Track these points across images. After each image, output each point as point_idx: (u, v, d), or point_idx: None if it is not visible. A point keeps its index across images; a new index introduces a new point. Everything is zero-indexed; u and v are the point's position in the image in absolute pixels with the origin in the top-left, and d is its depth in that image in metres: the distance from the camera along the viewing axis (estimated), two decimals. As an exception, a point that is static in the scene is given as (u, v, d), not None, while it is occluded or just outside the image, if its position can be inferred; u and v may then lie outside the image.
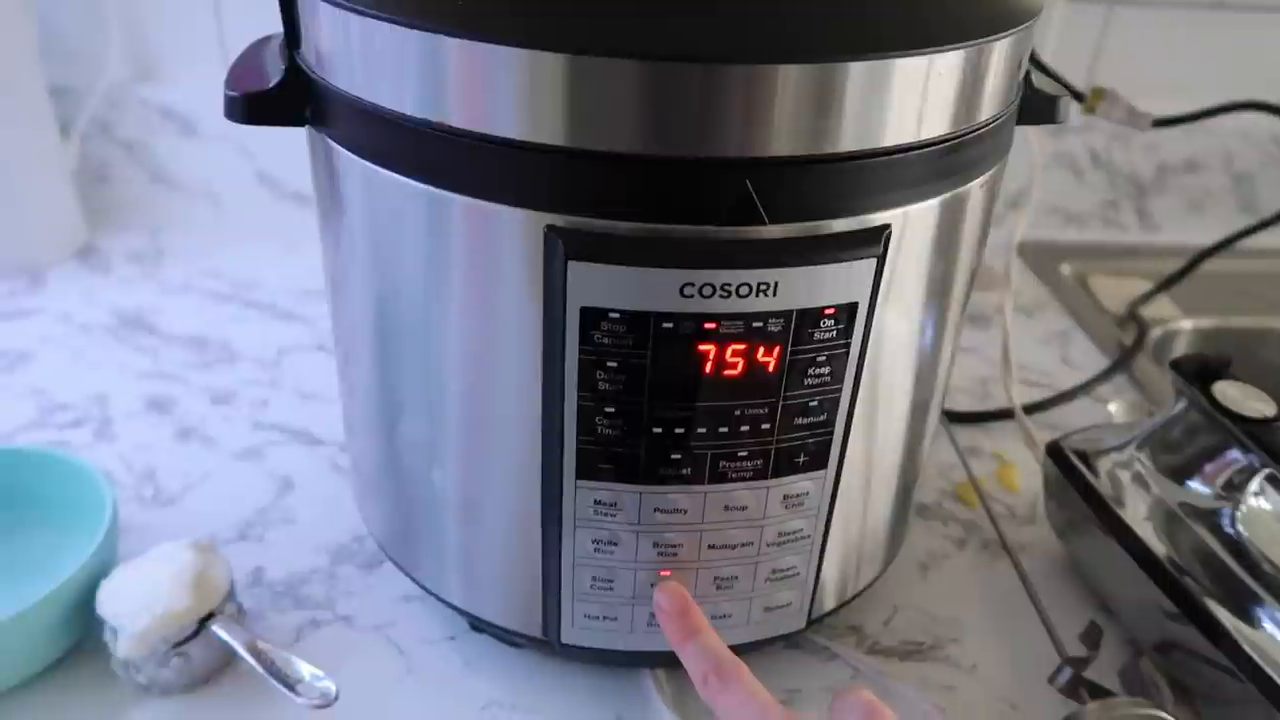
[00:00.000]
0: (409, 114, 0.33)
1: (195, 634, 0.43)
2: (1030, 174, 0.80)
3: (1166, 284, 0.81)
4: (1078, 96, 0.76)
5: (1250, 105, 0.75)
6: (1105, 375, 0.70)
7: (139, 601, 0.42)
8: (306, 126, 0.39)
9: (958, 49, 0.33)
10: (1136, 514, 0.48)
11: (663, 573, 0.39)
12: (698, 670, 0.36)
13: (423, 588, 0.46)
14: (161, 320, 0.72)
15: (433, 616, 0.49)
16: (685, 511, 0.38)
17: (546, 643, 0.43)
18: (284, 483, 0.57)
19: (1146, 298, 0.81)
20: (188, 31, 0.81)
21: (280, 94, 0.37)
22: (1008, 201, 0.89)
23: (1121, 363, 0.72)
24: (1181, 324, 0.81)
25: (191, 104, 0.82)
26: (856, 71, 0.32)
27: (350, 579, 0.51)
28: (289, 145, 0.46)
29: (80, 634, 0.45)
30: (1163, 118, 0.75)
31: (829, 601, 0.45)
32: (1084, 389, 0.69)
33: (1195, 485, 0.48)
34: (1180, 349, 0.81)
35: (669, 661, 0.45)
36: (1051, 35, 0.84)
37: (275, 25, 0.39)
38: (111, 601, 0.43)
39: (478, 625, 0.47)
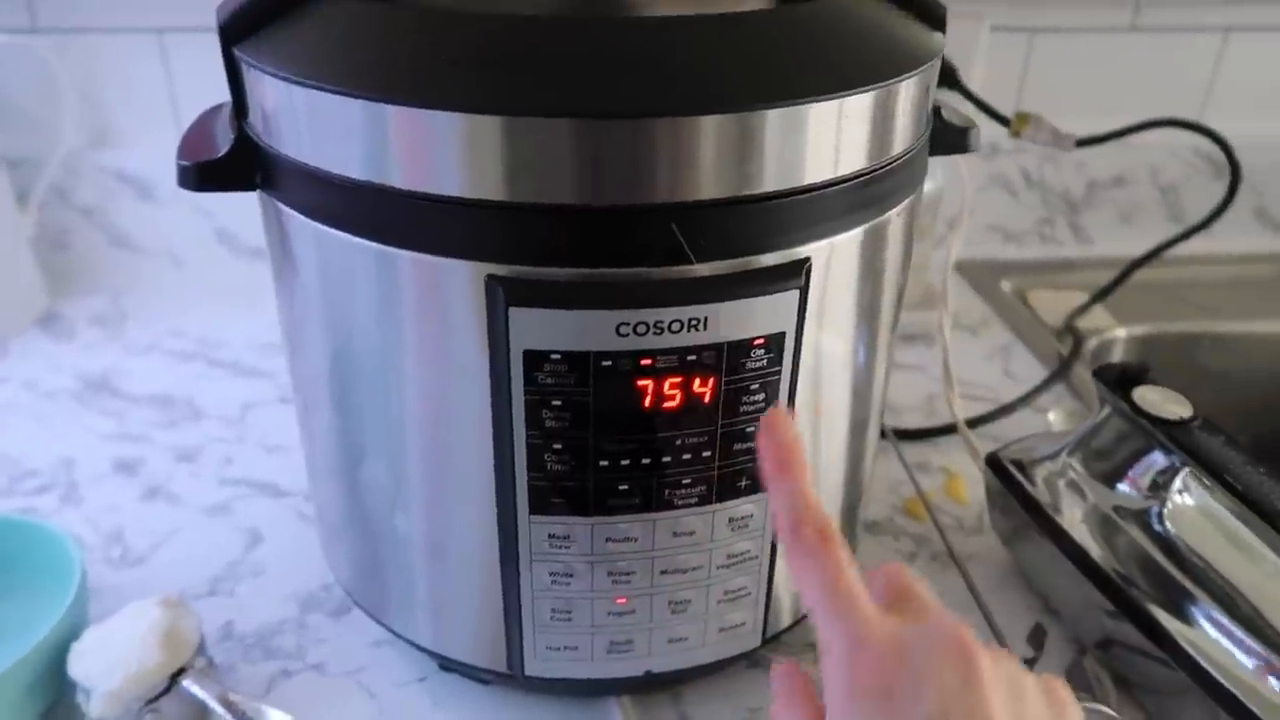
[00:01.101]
0: (355, 177, 0.35)
1: (167, 690, 0.44)
2: (964, 198, 0.83)
3: (1101, 295, 0.85)
4: (1004, 122, 0.80)
5: (1168, 122, 0.79)
6: (1044, 386, 0.73)
7: (110, 661, 0.43)
8: (258, 191, 0.41)
9: (866, 91, 0.36)
10: (1073, 519, 0.51)
11: (619, 600, 0.41)
12: (786, 516, 0.31)
13: (391, 631, 0.47)
14: (126, 382, 0.73)
15: (402, 659, 0.50)
16: (636, 539, 0.39)
17: (512, 676, 0.44)
18: (252, 535, 0.58)
19: (1082, 309, 0.84)
20: (141, 98, 0.82)
21: (230, 162, 0.39)
22: (947, 222, 0.92)
23: (1059, 373, 0.75)
24: (1117, 333, 0.84)
25: (148, 168, 0.83)
26: (773, 118, 0.34)
27: (320, 627, 0.52)
28: (246, 203, 0.48)
29: (53, 698, 0.46)
30: (1085, 138, 0.79)
31: (784, 619, 0.47)
32: (1024, 400, 0.72)
33: (1124, 488, 0.50)
34: (1117, 357, 0.85)
35: (633, 688, 0.46)
36: (978, 64, 0.88)
37: (226, 90, 0.41)
38: (83, 663, 0.44)
39: (447, 665, 0.48)
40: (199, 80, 0.82)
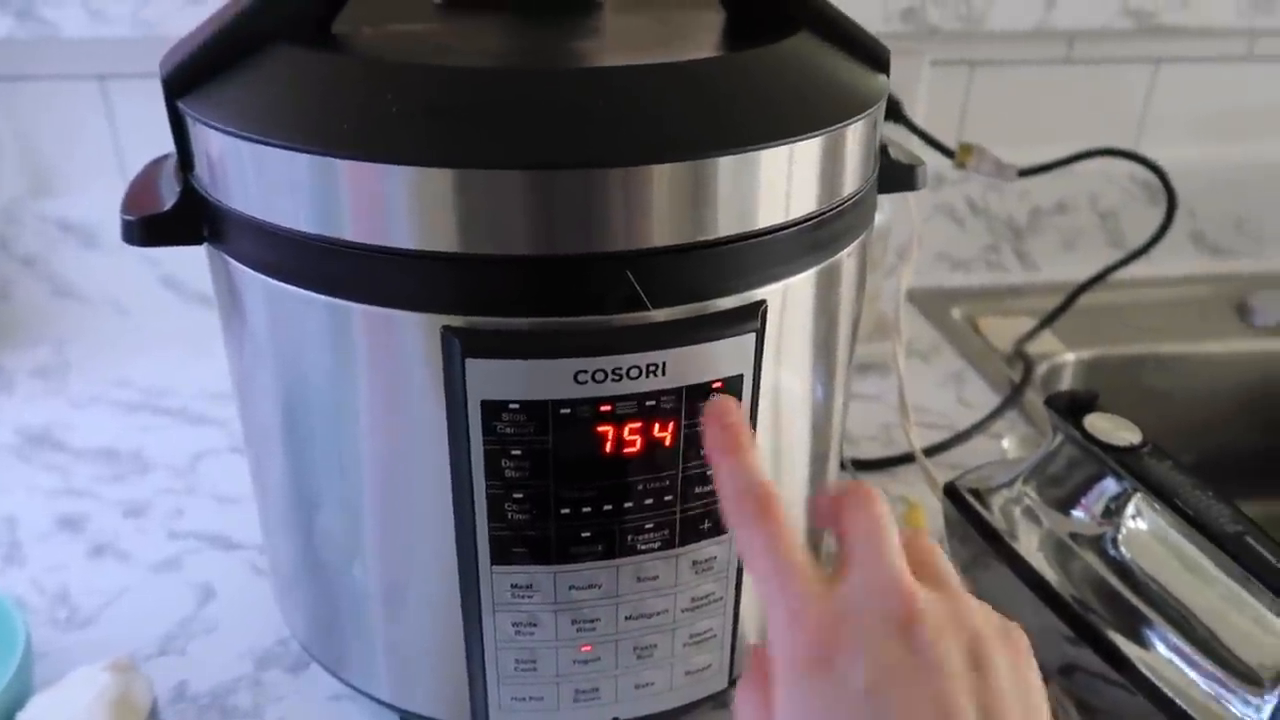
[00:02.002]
0: (305, 231, 0.35)
1: (119, 757, 0.43)
2: (912, 230, 0.84)
3: (1048, 320, 0.86)
4: (949, 153, 0.82)
5: (1105, 151, 0.82)
6: (997, 413, 0.74)
7: (58, 730, 0.42)
8: (205, 245, 0.40)
9: (815, 136, 0.37)
10: (1030, 546, 0.51)
11: (583, 648, 0.40)
12: (728, 491, 0.31)
13: (350, 685, 0.46)
14: (70, 435, 0.71)
15: (362, 713, 0.49)
16: (600, 586, 0.39)
17: (477, 728, 0.43)
18: (204, 591, 0.57)
19: (1031, 335, 0.86)
20: (84, 146, 0.81)
21: (176, 215, 0.39)
22: (897, 252, 0.93)
23: (1011, 399, 0.76)
24: (1066, 357, 0.86)
25: (91, 216, 0.81)
26: (725, 165, 0.34)
27: (277, 683, 0.51)
28: (192, 250, 0.47)
29: (-3, 770, 0.44)
30: (1027, 168, 0.81)
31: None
32: (979, 427, 0.73)
33: (1079, 514, 0.51)
34: (1066, 381, 0.86)
35: (599, 735, 0.46)
36: (921, 98, 0.90)
37: (170, 138, 0.40)
38: (29, 733, 0.42)
39: (407, 718, 0.47)
40: (143, 127, 0.81)
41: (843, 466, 0.69)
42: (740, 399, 0.37)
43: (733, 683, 0.45)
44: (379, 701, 0.45)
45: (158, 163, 0.44)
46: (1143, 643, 0.46)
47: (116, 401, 0.75)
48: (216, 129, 0.35)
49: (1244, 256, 1.04)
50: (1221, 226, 1.02)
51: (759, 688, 0.30)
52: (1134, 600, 0.48)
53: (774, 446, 0.41)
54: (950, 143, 0.82)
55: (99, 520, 0.62)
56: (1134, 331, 0.90)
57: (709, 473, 0.38)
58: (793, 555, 0.29)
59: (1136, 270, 0.86)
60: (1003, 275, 1.00)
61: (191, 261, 0.80)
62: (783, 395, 0.40)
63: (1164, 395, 0.89)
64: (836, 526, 0.31)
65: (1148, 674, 0.45)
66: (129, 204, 0.40)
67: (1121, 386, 0.87)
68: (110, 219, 0.80)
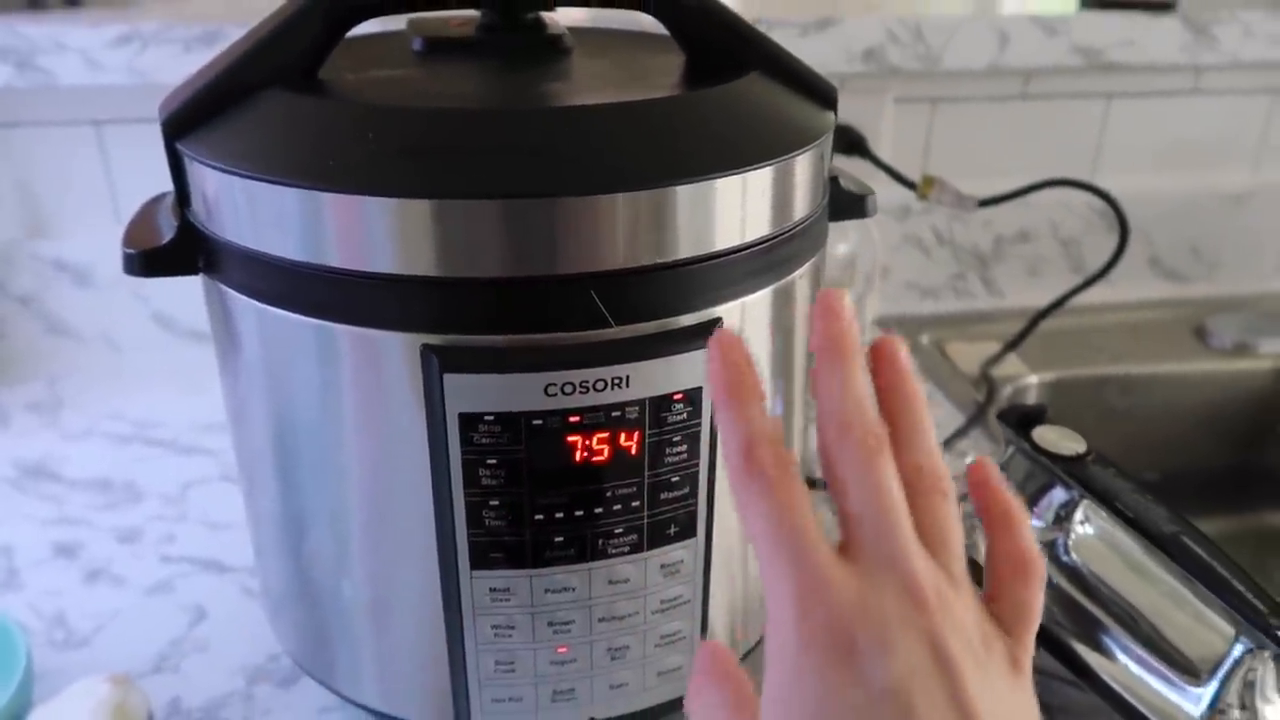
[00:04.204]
0: (294, 259, 0.38)
1: (116, 766, 0.44)
2: (875, 258, 0.88)
3: (1012, 345, 0.90)
4: (911, 186, 0.86)
5: (1061, 182, 0.86)
6: (962, 431, 0.77)
7: (58, 739, 0.43)
8: (201, 274, 0.43)
9: (766, 166, 0.40)
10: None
11: (560, 649, 0.42)
12: (732, 446, 0.28)
13: (340, 695, 0.48)
14: (64, 467, 0.73)
15: (351, 724, 0.51)
16: (574, 589, 0.41)
17: (460, 732, 0.45)
18: (196, 612, 0.59)
19: (996, 358, 0.89)
20: (79, 188, 0.84)
21: (174, 248, 0.42)
22: (865, 279, 0.97)
23: (975, 419, 0.79)
24: (1029, 379, 0.89)
25: (85, 255, 0.84)
26: (683, 193, 0.38)
27: (268, 698, 0.53)
28: (183, 287, 0.50)
29: (-2, 782, 0.46)
30: (987, 198, 0.85)
31: (720, 662, 0.49)
32: (945, 446, 0.75)
33: (1033, 522, 0.54)
34: (1030, 402, 0.89)
35: (577, 737, 0.48)
36: (886, 133, 0.94)
37: (162, 179, 0.43)
38: (30, 743, 0.44)
39: (395, 726, 0.49)
40: (136, 170, 0.84)
41: (812, 485, 0.71)
42: (701, 410, 0.40)
43: (703, 685, 0.47)
44: (367, 710, 0.47)
45: (154, 201, 0.47)
46: (1094, 643, 0.49)
47: (109, 434, 0.77)
48: (212, 167, 0.38)
49: (1200, 281, 1.08)
50: (1177, 253, 1.06)
51: (719, 685, 0.29)
52: (1085, 603, 0.50)
53: (737, 457, 0.44)
54: (914, 176, 0.86)
55: (93, 547, 0.64)
56: (1096, 354, 0.93)
57: (674, 479, 0.41)
58: (808, 525, 0.26)
59: (1097, 295, 0.90)
60: (970, 302, 1.03)
61: (182, 299, 0.84)
62: (745, 409, 0.43)
63: (1125, 415, 0.92)
64: (832, 482, 0.28)
65: (1099, 672, 0.48)
66: (130, 239, 0.42)
67: (1084, 406, 0.90)
68: (103, 258, 0.84)
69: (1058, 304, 0.88)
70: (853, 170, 0.51)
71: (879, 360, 0.31)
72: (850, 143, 0.88)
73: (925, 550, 0.28)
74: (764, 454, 0.27)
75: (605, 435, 0.39)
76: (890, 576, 0.27)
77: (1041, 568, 0.31)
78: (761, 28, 0.45)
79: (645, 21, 0.46)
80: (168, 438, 0.77)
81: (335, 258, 0.37)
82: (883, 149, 0.91)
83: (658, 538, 0.42)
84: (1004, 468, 0.56)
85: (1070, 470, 0.52)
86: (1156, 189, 1.03)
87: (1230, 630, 0.45)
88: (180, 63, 0.76)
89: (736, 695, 0.29)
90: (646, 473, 0.40)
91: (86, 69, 0.76)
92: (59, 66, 0.76)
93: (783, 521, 0.26)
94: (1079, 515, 0.52)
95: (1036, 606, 0.31)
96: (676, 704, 0.48)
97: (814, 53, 0.46)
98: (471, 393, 0.37)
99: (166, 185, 0.47)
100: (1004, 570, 0.31)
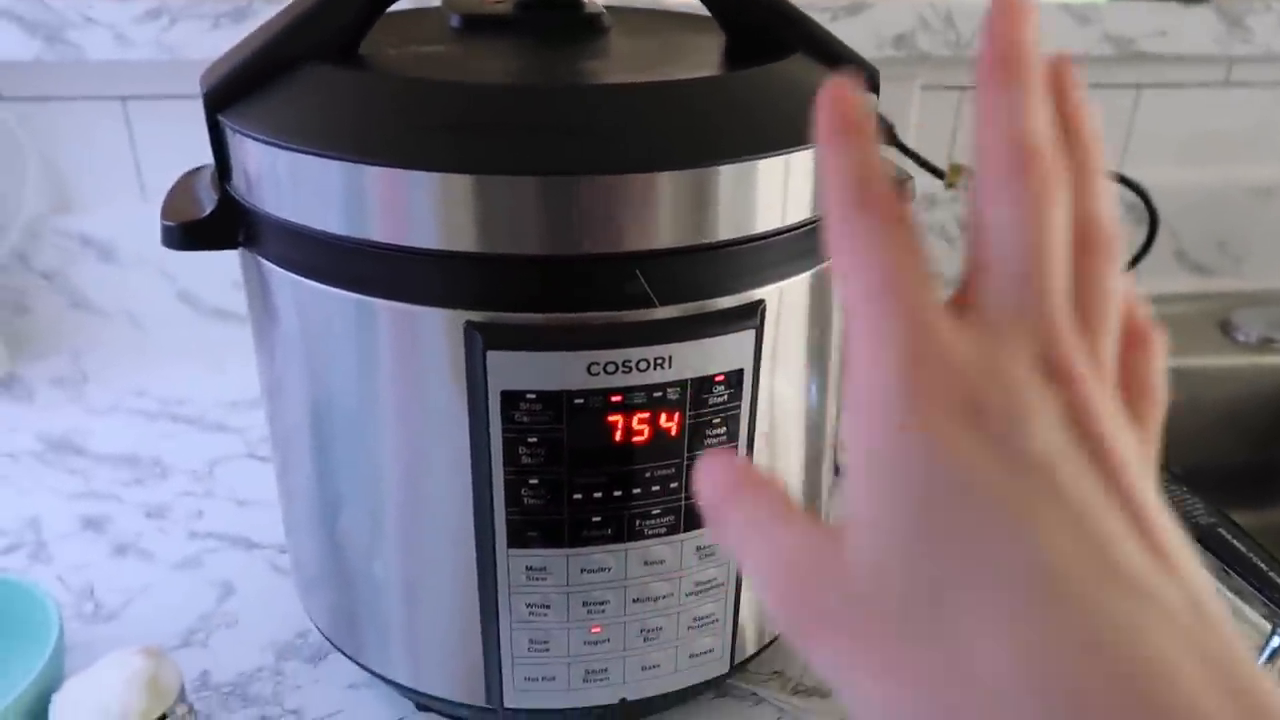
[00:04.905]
0: (336, 233, 0.37)
1: (149, 737, 0.45)
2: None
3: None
4: (939, 174, 0.85)
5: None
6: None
7: (93, 709, 0.43)
8: (239, 249, 0.43)
9: (809, 148, 0.39)
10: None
11: (594, 629, 0.42)
12: (834, 181, 0.22)
13: (370, 671, 0.48)
14: (90, 442, 0.73)
15: (379, 701, 0.51)
16: (609, 569, 0.41)
17: (491, 710, 0.45)
18: (225, 588, 0.59)
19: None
20: (105, 164, 0.84)
21: (214, 221, 0.41)
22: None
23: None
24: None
25: (110, 231, 0.84)
26: (725, 173, 0.37)
27: (297, 673, 0.53)
28: (209, 265, 0.50)
29: (33, 750, 0.46)
30: (1014, 188, 0.84)
31: (749, 646, 0.49)
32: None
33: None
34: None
35: (608, 717, 0.48)
36: (913, 122, 0.93)
37: (188, 155, 0.43)
38: (65, 712, 0.44)
39: (424, 704, 0.49)
40: (163, 145, 0.84)
41: (837, 471, 0.71)
42: (741, 393, 0.40)
43: (734, 668, 0.47)
44: (397, 686, 0.48)
45: (191, 174, 0.47)
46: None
47: (134, 410, 0.78)
48: (255, 139, 0.38)
49: (1226, 275, 1.07)
50: (1204, 246, 1.06)
51: (757, 492, 0.24)
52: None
53: (766, 443, 0.44)
54: (941, 164, 0.85)
55: (121, 521, 0.64)
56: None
57: (712, 461, 0.41)
58: (926, 277, 0.22)
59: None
60: (993, 293, 1.02)
61: (207, 276, 0.84)
62: (779, 394, 0.43)
63: (1150, 408, 0.91)
64: (977, 230, 0.23)
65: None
66: (168, 211, 0.42)
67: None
68: (128, 234, 0.84)
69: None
70: (884, 156, 0.51)
71: (1056, 84, 0.25)
72: (879, 130, 0.87)
73: (1075, 317, 0.23)
74: (881, 189, 0.22)
75: (646, 416, 0.38)
76: (1029, 339, 0.22)
77: (1163, 339, 0.25)
78: (793, 11, 0.45)
79: (684, 1, 0.45)
80: (194, 415, 0.77)
81: (377, 232, 0.37)
82: (909, 137, 0.90)
83: (694, 520, 0.42)
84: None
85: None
86: (1184, 181, 1.02)
87: (1267, 625, 0.45)
88: (208, 38, 0.76)
89: (784, 500, 0.24)
90: (686, 454, 0.40)
91: (115, 44, 0.76)
92: (87, 41, 0.76)
93: (901, 265, 0.21)
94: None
95: (1163, 386, 0.25)
96: (707, 687, 0.48)
97: (844, 37, 0.45)
98: (514, 370, 0.37)
99: (192, 162, 0.47)
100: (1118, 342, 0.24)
